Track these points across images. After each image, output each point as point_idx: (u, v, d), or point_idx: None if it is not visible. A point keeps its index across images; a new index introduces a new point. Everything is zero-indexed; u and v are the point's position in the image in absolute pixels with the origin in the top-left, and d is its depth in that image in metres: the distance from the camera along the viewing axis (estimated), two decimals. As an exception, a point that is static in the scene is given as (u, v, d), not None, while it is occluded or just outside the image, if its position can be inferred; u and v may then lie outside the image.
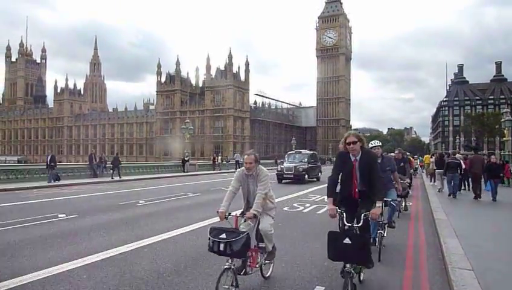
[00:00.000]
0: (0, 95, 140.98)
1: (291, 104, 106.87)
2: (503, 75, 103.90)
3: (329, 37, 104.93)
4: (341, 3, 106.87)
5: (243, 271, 4.28)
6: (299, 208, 11.54)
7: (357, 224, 4.08)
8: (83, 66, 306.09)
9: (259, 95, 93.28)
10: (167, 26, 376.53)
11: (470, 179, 16.40)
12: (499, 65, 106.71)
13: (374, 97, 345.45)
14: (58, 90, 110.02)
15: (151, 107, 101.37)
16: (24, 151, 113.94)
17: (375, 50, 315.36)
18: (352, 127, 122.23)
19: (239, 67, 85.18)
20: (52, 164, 20.27)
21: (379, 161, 6.44)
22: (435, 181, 19.89)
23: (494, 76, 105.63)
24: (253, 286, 4.70)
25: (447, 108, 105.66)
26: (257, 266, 4.51)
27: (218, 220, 4.38)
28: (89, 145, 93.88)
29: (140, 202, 12.64)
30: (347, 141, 4.28)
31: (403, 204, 10.81)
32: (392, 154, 11.41)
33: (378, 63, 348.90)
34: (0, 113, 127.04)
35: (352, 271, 3.93)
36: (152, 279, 4.90)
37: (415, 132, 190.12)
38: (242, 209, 4.63)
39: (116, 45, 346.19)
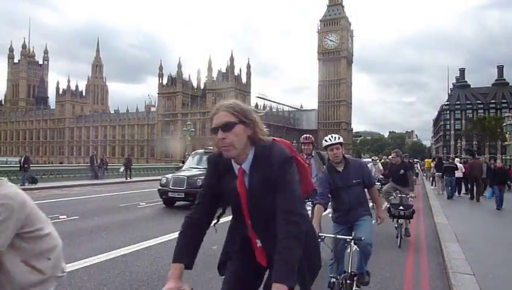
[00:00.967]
0: (2, 96, 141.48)
1: (292, 107, 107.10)
2: (504, 79, 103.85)
3: (331, 40, 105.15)
4: (342, 7, 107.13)
5: None
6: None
7: None
8: (84, 67, 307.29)
9: (261, 98, 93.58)
10: (168, 27, 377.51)
11: (469, 183, 16.56)
12: (500, 69, 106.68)
13: (375, 100, 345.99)
14: (60, 92, 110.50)
15: (153, 109, 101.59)
16: (26, 152, 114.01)
17: (376, 53, 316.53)
18: (354, 131, 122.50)
19: (240, 70, 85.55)
20: (26, 165, 19.37)
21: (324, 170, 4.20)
22: (435, 185, 20.11)
23: (496, 80, 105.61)
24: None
25: (448, 112, 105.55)
26: None
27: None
28: (90, 147, 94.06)
29: (141, 204, 12.64)
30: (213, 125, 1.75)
31: (404, 227, 7.52)
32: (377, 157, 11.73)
33: (380, 66, 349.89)
34: (3, 114, 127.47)
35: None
36: (152, 281, 4.90)
37: (417, 136, 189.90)
38: None
39: (117, 46, 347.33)
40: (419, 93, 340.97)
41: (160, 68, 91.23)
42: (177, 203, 12.10)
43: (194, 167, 12.87)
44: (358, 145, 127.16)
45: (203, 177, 2.67)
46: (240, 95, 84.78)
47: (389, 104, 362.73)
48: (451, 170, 15.52)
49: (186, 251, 1.91)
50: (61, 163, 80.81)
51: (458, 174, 16.13)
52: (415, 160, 39.26)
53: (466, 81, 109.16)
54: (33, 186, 18.22)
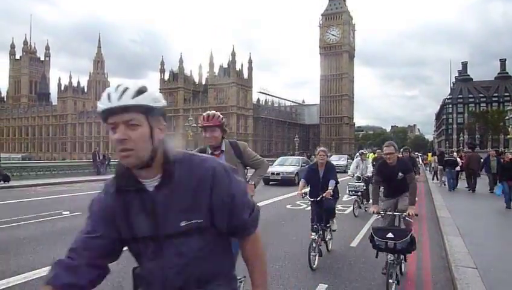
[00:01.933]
0: (4, 92, 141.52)
1: (294, 102, 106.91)
2: (507, 72, 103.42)
3: (333, 35, 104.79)
4: (344, 1, 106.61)
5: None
6: (301, 205, 11.53)
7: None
8: (84, 63, 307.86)
9: (263, 93, 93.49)
10: (169, 23, 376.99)
11: (467, 176, 17.31)
12: (503, 62, 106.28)
13: (377, 94, 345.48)
14: (62, 88, 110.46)
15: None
16: (28, 148, 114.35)
17: (379, 47, 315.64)
18: (356, 125, 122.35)
19: (242, 65, 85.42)
20: None
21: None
22: (437, 179, 20.23)
23: (499, 73, 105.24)
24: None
25: (450, 105, 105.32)
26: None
27: None
28: (93, 143, 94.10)
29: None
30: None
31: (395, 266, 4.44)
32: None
33: (383, 60, 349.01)
34: (5, 110, 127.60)
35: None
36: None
37: (419, 130, 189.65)
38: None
39: (117, 41, 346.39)
40: (422, 87, 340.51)
41: (162, 64, 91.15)
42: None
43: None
44: (361, 139, 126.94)
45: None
46: (241, 90, 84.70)
47: (392, 98, 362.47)
48: (451, 163, 16.29)
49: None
50: (63, 159, 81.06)
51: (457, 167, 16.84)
52: (416, 153, 38.60)
53: (468, 75, 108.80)
54: (6, 184, 16.78)
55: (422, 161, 35.90)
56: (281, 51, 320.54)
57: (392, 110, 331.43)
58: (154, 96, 1.27)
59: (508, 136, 27.77)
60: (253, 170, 3.73)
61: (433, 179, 21.40)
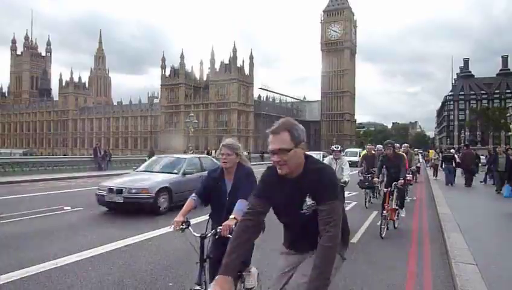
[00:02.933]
0: (5, 88, 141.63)
1: (295, 98, 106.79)
2: (509, 69, 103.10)
3: (334, 31, 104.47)
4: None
5: None
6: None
7: None
8: (85, 58, 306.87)
9: (264, 89, 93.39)
10: (169, 18, 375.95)
11: (462, 171, 18.07)
12: (505, 59, 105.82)
13: (379, 91, 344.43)
14: (63, 84, 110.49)
15: (156, 100, 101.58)
16: (29, 144, 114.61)
17: (381, 42, 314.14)
18: (357, 122, 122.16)
19: (243, 61, 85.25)
20: None
21: None
22: (437, 175, 20.52)
23: (500, 70, 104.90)
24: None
25: (452, 102, 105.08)
26: None
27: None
28: (94, 139, 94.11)
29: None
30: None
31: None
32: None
33: (384, 55, 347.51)
34: (6, 106, 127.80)
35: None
36: (156, 271, 4.94)
37: (420, 127, 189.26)
38: None
39: (117, 37, 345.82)
40: (424, 83, 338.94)
41: (163, 60, 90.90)
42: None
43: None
44: (362, 136, 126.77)
45: None
46: (242, 87, 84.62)
47: (393, 95, 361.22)
48: (449, 159, 17.22)
49: None
50: (65, 155, 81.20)
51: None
52: (415, 149, 34.64)
53: (470, 72, 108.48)
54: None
55: (424, 158, 35.80)
56: (282, 47, 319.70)
57: (394, 107, 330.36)
58: None
59: (510, 133, 27.75)
60: None
61: (433, 175, 21.45)
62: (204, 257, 2.92)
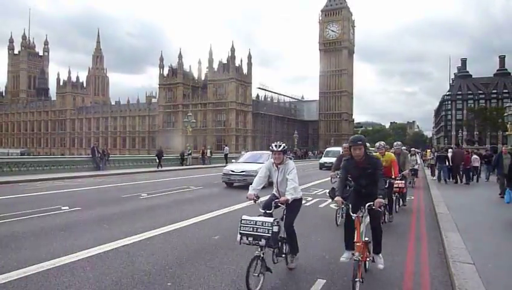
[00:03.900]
0: (2, 87, 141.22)
1: (293, 98, 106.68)
2: (506, 69, 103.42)
3: (332, 31, 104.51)
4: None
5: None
6: (301, 201, 11.54)
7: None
8: (82, 57, 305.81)
9: (262, 89, 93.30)
10: (167, 16, 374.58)
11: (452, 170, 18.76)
12: (502, 59, 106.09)
13: (377, 90, 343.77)
14: (61, 83, 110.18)
15: (154, 100, 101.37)
16: (27, 144, 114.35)
17: (379, 42, 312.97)
18: (355, 121, 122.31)
19: (241, 61, 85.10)
20: None
21: None
22: (435, 175, 20.59)
23: (498, 70, 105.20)
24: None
25: (449, 102, 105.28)
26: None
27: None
28: (92, 138, 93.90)
29: (142, 195, 12.68)
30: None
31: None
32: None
33: (382, 55, 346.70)
34: (3, 105, 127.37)
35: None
36: (154, 271, 4.94)
37: (418, 126, 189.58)
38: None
39: (114, 35, 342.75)
40: (422, 83, 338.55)
41: (161, 59, 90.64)
42: (189, 195, 12.19)
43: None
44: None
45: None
46: (240, 86, 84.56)
47: (391, 94, 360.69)
48: (443, 158, 18.12)
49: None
50: (62, 154, 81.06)
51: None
52: (412, 149, 34.69)
53: (468, 71, 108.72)
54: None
55: (422, 158, 35.76)
56: (280, 47, 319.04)
57: (392, 106, 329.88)
58: None
59: (507, 133, 27.77)
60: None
61: (431, 175, 21.52)
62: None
